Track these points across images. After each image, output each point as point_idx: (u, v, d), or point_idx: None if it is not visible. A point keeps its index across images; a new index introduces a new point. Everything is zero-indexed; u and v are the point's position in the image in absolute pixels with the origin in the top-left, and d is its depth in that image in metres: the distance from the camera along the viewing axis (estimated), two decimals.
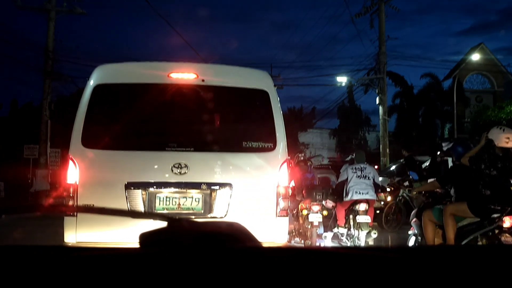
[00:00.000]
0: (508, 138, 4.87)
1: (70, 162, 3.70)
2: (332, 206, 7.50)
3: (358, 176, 6.96)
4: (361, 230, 6.64)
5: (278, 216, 3.81)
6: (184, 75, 3.97)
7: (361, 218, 6.62)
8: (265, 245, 0.96)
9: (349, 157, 8.10)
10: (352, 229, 6.99)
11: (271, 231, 3.77)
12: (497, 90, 27.66)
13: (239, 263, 0.77)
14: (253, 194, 3.83)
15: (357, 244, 6.61)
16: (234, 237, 0.93)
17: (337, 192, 7.34)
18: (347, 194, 6.95)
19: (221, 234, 0.93)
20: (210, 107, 3.96)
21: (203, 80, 3.93)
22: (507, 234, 4.36)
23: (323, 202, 7.28)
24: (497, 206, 4.45)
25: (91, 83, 3.87)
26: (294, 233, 7.80)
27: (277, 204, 3.81)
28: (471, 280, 0.77)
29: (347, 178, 7.04)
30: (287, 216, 3.92)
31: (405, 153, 9.70)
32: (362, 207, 6.70)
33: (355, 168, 7.05)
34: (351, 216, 6.96)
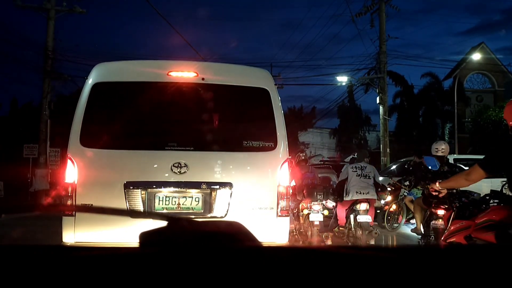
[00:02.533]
0: (437, 148, 6.47)
1: (69, 161, 3.68)
2: (333, 206, 7.51)
3: (358, 175, 6.96)
4: (362, 230, 6.64)
5: (279, 216, 3.80)
6: (184, 73, 3.95)
7: (361, 218, 6.61)
8: (265, 245, 0.95)
9: (351, 157, 8.12)
10: (352, 228, 6.99)
11: (272, 231, 3.76)
12: (498, 89, 27.67)
13: (239, 263, 0.76)
14: (254, 194, 3.82)
15: (357, 244, 6.60)
16: (234, 237, 0.92)
17: (337, 192, 7.35)
18: (347, 194, 6.95)
19: (221, 234, 0.92)
20: (210, 106, 3.94)
21: (203, 79, 3.92)
22: (439, 219, 5.48)
23: (324, 202, 7.28)
24: (434, 200, 5.50)
25: (90, 81, 3.85)
26: (294, 233, 7.81)
27: (278, 203, 3.79)
28: (470, 279, 0.76)
29: (347, 177, 7.05)
30: (288, 216, 3.90)
31: (417, 159, 9.78)
32: (363, 206, 6.70)
33: (355, 167, 7.05)
34: (351, 216, 6.95)
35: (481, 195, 4.09)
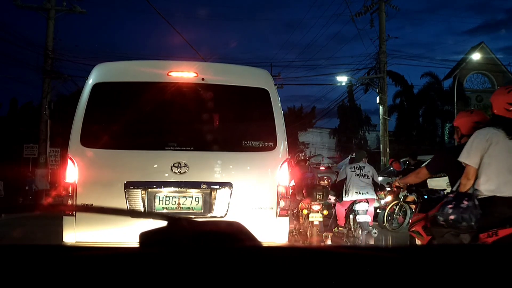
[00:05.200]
0: None
1: (69, 161, 3.68)
2: (334, 199, 7.52)
3: (357, 175, 6.97)
4: (361, 230, 6.65)
5: (279, 216, 3.80)
6: (184, 73, 3.96)
7: (361, 218, 6.62)
8: (265, 244, 0.96)
9: (349, 157, 8.15)
10: (352, 228, 7.00)
11: (272, 231, 3.76)
12: None
13: (239, 262, 0.76)
14: (253, 194, 3.82)
15: (357, 244, 6.62)
16: (234, 237, 0.92)
17: (336, 190, 7.38)
18: (346, 194, 6.96)
19: (221, 234, 0.92)
20: (210, 106, 3.95)
21: (203, 79, 3.92)
22: None
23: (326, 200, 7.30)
24: None
25: (90, 81, 3.86)
26: (294, 233, 7.81)
27: (278, 203, 3.80)
28: (470, 279, 0.76)
29: (346, 177, 7.06)
30: (287, 216, 3.91)
31: (412, 161, 9.81)
32: (362, 206, 6.70)
33: (354, 167, 7.07)
34: (351, 216, 6.96)
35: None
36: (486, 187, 3.08)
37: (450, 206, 3.09)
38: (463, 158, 3.20)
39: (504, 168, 3.06)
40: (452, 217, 3.04)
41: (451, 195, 3.28)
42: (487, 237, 2.95)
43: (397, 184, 4.36)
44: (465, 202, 3.02)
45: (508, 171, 3.05)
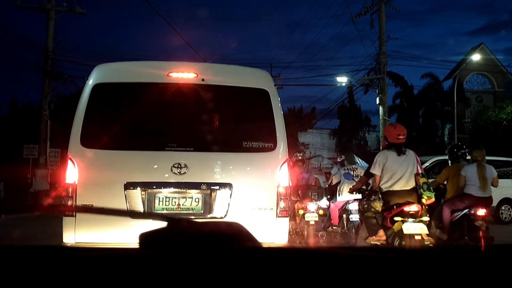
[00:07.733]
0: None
1: (69, 162, 3.68)
2: (326, 205, 7.79)
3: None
4: (354, 228, 6.79)
5: (279, 216, 3.80)
6: (183, 74, 3.96)
7: (354, 217, 6.77)
8: (265, 245, 0.96)
9: (339, 159, 8.48)
10: (345, 227, 7.20)
11: (272, 232, 3.76)
12: (498, 90, 27.69)
13: (239, 263, 0.76)
14: (253, 194, 3.82)
15: (350, 243, 6.77)
16: (234, 237, 0.93)
17: (331, 193, 7.63)
18: (340, 194, 7.27)
19: (221, 235, 0.92)
20: (210, 107, 3.95)
21: (203, 80, 3.92)
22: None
23: (318, 203, 7.46)
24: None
25: (90, 82, 3.86)
26: (291, 233, 7.88)
27: (278, 204, 3.79)
28: (469, 280, 0.76)
29: (340, 180, 7.36)
30: (287, 216, 3.91)
31: None
32: (355, 206, 6.81)
33: (347, 169, 7.30)
34: (344, 216, 7.17)
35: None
36: (385, 186, 4.89)
37: (365, 199, 5.00)
38: (371, 170, 5.01)
39: (395, 174, 4.84)
40: (366, 206, 4.93)
41: (367, 191, 5.12)
42: (387, 215, 4.74)
43: (352, 189, 5.58)
44: (373, 196, 4.89)
45: (396, 175, 4.83)
